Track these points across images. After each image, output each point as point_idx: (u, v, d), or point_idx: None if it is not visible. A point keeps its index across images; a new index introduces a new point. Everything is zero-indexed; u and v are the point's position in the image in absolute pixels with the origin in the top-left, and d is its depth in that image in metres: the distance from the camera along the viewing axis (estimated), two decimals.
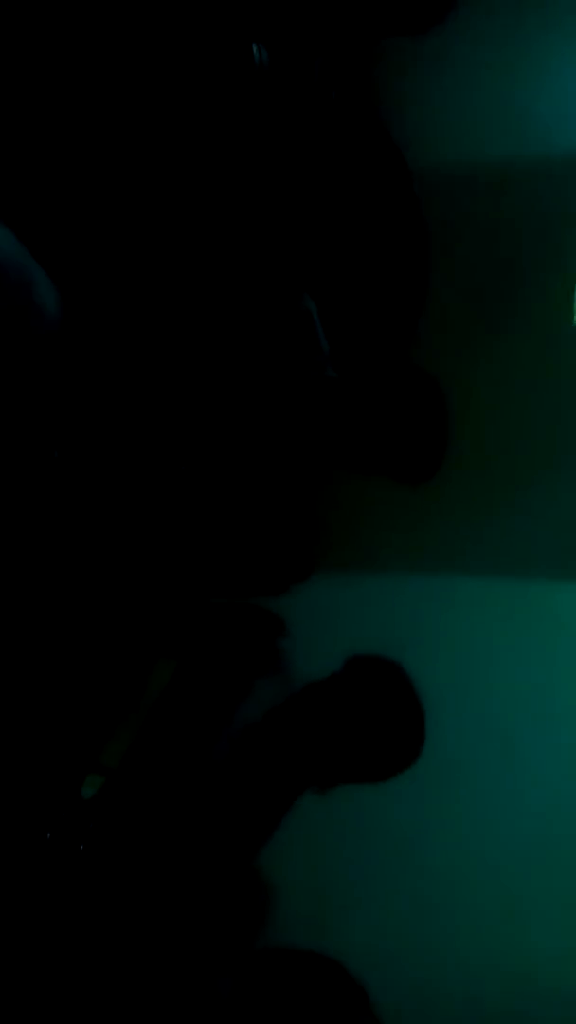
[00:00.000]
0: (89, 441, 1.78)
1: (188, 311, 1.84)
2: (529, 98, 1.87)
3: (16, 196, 1.71)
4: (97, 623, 1.82)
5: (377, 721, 1.73)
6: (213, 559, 2.00)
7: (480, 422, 2.01)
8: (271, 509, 1.96)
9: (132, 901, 1.65)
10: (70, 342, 1.72)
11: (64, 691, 1.75)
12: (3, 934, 1.58)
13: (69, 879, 1.63)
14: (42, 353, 1.65)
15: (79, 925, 1.62)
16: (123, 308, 1.82)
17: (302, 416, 1.89)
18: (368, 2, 1.94)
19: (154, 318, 1.83)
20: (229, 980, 1.68)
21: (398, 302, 1.97)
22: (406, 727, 1.72)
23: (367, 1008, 1.47)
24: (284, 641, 2.04)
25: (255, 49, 1.82)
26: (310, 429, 1.88)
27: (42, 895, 1.61)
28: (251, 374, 1.86)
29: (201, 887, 1.70)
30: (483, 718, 1.80)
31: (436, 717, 1.71)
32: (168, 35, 1.77)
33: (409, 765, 1.71)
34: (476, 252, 2.00)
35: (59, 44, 1.75)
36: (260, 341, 1.86)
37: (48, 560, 1.76)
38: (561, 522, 1.83)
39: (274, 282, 1.87)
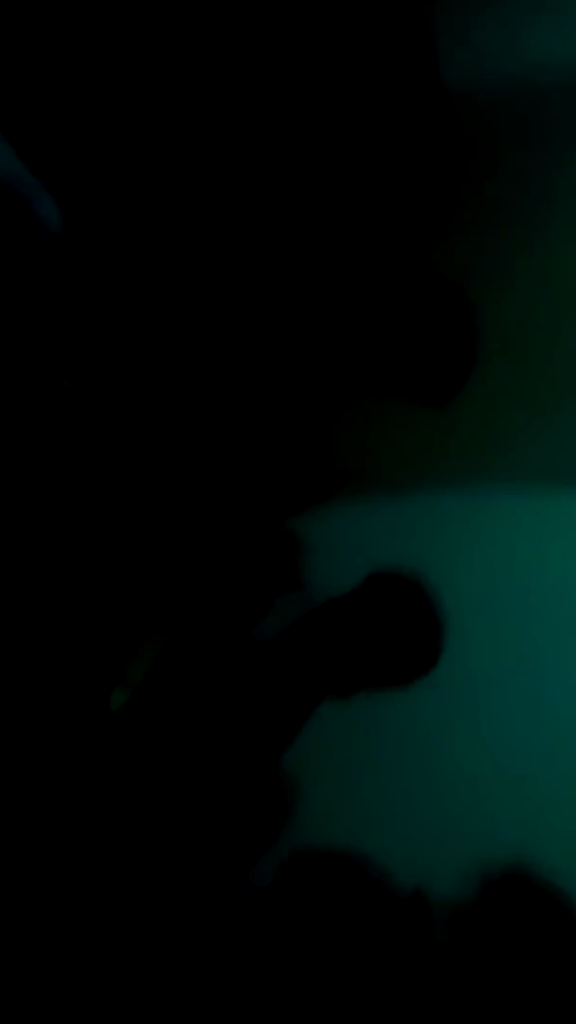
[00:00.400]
0: (93, 357, 1.78)
1: (197, 216, 1.81)
2: None
3: (20, 112, 1.70)
4: (118, 544, 1.85)
5: (395, 630, 1.77)
6: (231, 478, 2.01)
7: (509, 332, 1.95)
8: (287, 427, 1.96)
9: (160, 808, 1.70)
10: (75, 258, 1.72)
11: (88, 607, 1.79)
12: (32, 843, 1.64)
13: (99, 788, 1.68)
14: (44, 266, 1.65)
15: (110, 828, 1.67)
16: (130, 212, 1.80)
17: (319, 327, 1.86)
18: None
19: (161, 227, 1.81)
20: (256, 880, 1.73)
21: (421, 197, 1.92)
22: (424, 635, 1.76)
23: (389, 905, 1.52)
24: (303, 558, 2.07)
25: None
26: (328, 340, 1.86)
27: (74, 805, 1.67)
28: (265, 282, 1.84)
29: (227, 789, 1.75)
30: (504, 628, 1.81)
31: (458, 627, 1.73)
32: None
33: (427, 671, 1.74)
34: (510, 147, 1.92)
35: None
36: (274, 247, 1.83)
37: (65, 477, 1.78)
38: None
39: (290, 187, 1.83)
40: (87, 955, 1.58)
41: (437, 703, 1.74)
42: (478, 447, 1.99)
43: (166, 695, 1.81)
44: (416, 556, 1.91)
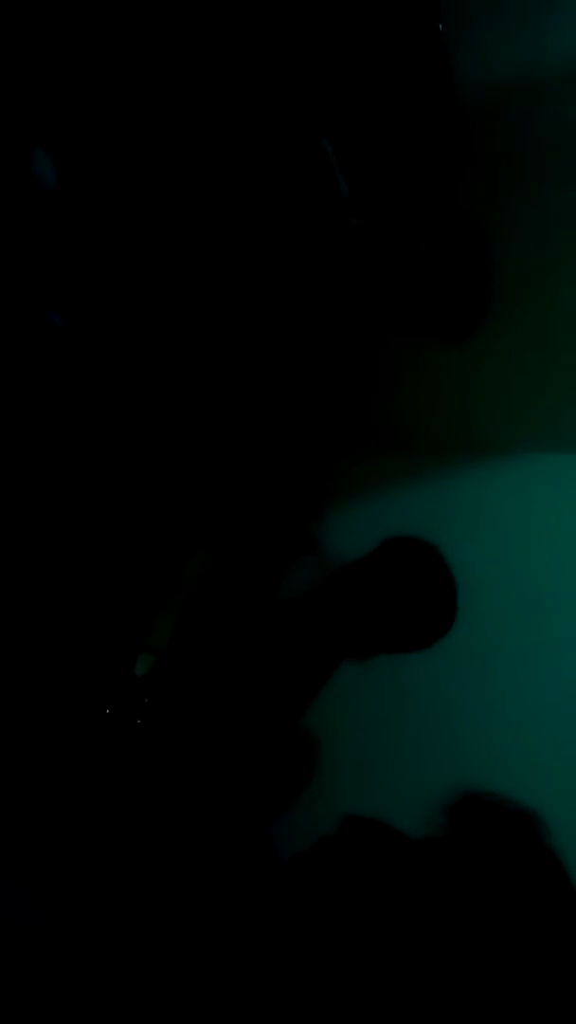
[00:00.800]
0: (92, 311, 1.76)
1: (193, 151, 1.76)
2: None
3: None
4: (137, 509, 1.88)
5: (411, 594, 1.80)
6: (249, 446, 2.02)
7: (528, 278, 1.91)
8: (295, 396, 1.96)
9: (188, 767, 1.76)
10: (70, 217, 1.71)
11: (109, 577, 1.83)
12: (65, 807, 1.70)
13: (128, 752, 1.74)
14: (40, 221, 1.66)
15: (140, 793, 1.74)
16: (125, 168, 1.76)
17: (328, 266, 1.82)
18: None
19: (157, 170, 1.76)
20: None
21: (430, 135, 1.82)
22: (439, 598, 1.79)
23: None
24: (319, 523, 2.10)
25: None
26: (339, 282, 1.82)
27: (104, 768, 1.73)
28: (268, 223, 1.80)
29: (250, 750, 1.80)
30: (519, 594, 1.84)
31: (473, 592, 1.77)
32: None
33: (443, 634, 1.78)
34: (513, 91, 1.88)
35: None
36: (272, 186, 1.78)
37: (79, 441, 1.80)
38: None
39: (285, 119, 1.76)
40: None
41: (452, 666, 1.79)
42: (495, 399, 1.99)
43: (190, 659, 1.86)
44: (430, 520, 1.94)
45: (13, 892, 1.65)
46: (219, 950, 1.42)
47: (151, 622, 1.87)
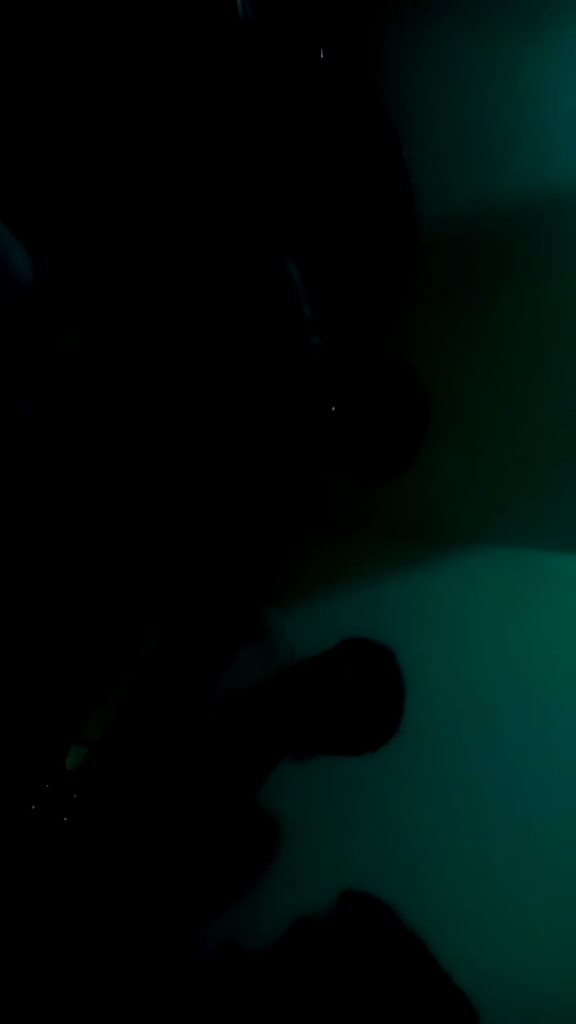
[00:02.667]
0: (65, 403, 1.77)
1: (168, 273, 1.81)
2: (527, 67, 1.81)
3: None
4: (80, 599, 1.83)
5: (362, 701, 1.75)
6: (199, 533, 2.00)
7: (461, 412, 1.96)
8: (257, 486, 1.96)
9: (117, 871, 1.70)
10: (45, 305, 1.71)
11: (46, 666, 1.77)
12: None
13: (54, 849, 1.67)
14: (12, 317, 1.65)
15: (66, 895, 1.67)
16: (101, 267, 1.80)
17: (288, 381, 1.85)
18: None
19: (133, 280, 1.81)
20: (212, 941, 1.73)
21: (385, 267, 1.93)
22: (388, 707, 1.75)
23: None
24: (267, 610, 2.06)
25: (240, 4, 1.76)
26: (295, 399, 1.85)
27: (28, 866, 1.66)
28: (234, 339, 1.83)
29: (184, 851, 1.74)
30: (463, 695, 1.82)
31: (418, 693, 1.73)
32: None
33: (383, 743, 1.74)
34: (464, 223, 1.95)
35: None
36: (242, 305, 1.83)
37: (29, 532, 1.77)
38: (538, 512, 1.83)
39: (257, 247, 1.83)
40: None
41: (397, 768, 1.75)
42: (439, 506, 2.00)
43: (125, 751, 1.80)
44: (379, 610, 1.91)
45: None
46: None
47: (86, 713, 1.81)
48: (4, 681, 1.73)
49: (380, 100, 1.93)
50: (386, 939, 1.49)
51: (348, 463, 1.81)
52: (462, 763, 1.76)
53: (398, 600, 1.91)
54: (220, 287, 1.79)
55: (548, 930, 1.54)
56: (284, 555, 2.03)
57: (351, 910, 1.54)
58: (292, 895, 1.71)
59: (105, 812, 1.73)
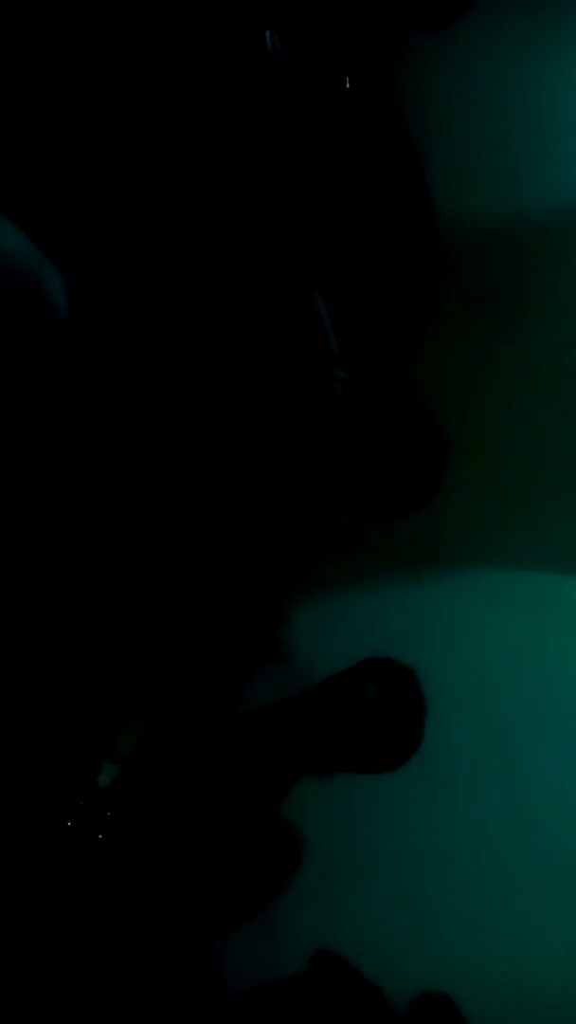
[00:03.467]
0: (95, 435, 1.80)
1: (197, 307, 1.84)
2: (549, 90, 1.83)
3: (28, 196, 1.70)
4: (104, 618, 1.88)
5: (381, 719, 1.81)
6: (217, 557, 2.04)
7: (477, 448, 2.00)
8: (275, 512, 1.99)
9: (145, 887, 1.77)
10: (80, 337, 1.74)
11: (74, 685, 1.82)
12: (26, 919, 1.70)
13: (88, 866, 1.74)
14: (50, 347, 1.67)
15: (96, 909, 1.74)
16: (132, 302, 1.82)
17: (312, 414, 1.90)
18: None
19: (163, 315, 1.83)
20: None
21: (407, 302, 1.96)
22: (409, 726, 1.80)
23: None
24: (285, 629, 2.11)
25: (268, 37, 1.77)
26: (320, 431, 1.89)
27: (62, 883, 1.73)
28: (261, 373, 1.87)
29: (206, 869, 1.81)
30: (483, 717, 1.88)
31: (439, 712, 1.79)
32: (182, 23, 1.72)
33: (404, 761, 1.79)
34: (486, 255, 1.97)
35: (69, 32, 1.70)
36: (270, 340, 1.86)
37: (55, 553, 1.81)
38: (556, 536, 1.88)
39: (285, 281, 1.86)
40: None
41: (416, 789, 1.82)
42: (461, 528, 2.04)
43: (154, 768, 1.86)
44: (396, 631, 1.96)
45: None
46: None
47: (115, 729, 1.87)
48: (37, 701, 1.78)
49: (403, 127, 1.95)
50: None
51: (366, 500, 1.86)
52: (480, 785, 1.83)
53: (416, 620, 1.97)
54: (249, 321, 1.82)
55: (567, 966, 1.61)
56: (302, 574, 2.07)
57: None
58: (309, 917, 1.80)
59: (137, 829, 1.80)
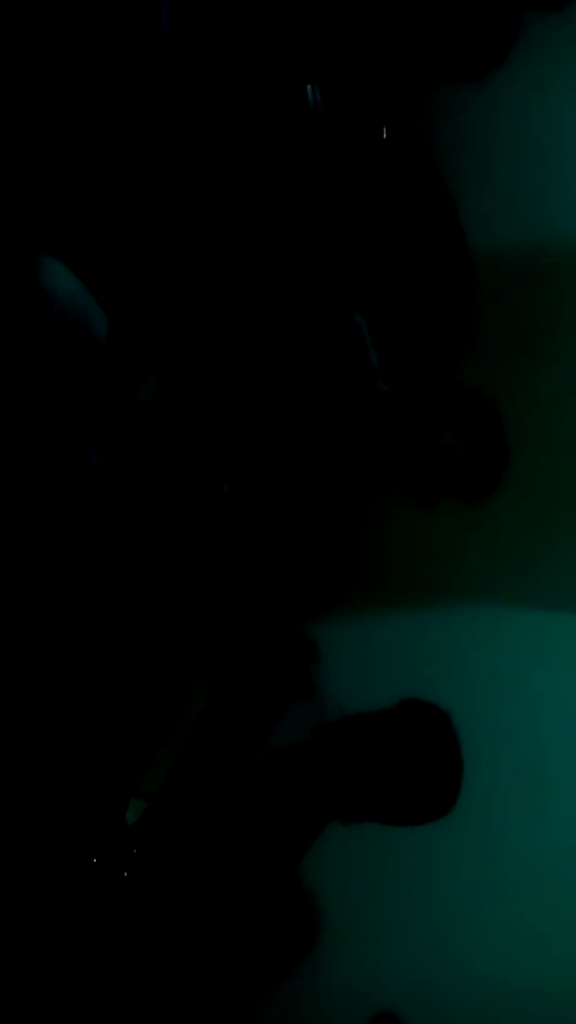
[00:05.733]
0: (140, 454, 1.84)
1: (241, 327, 1.89)
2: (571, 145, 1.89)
3: (72, 237, 1.76)
4: (134, 649, 1.88)
5: (416, 767, 1.77)
6: (251, 582, 2.04)
7: (536, 443, 2.01)
8: (315, 530, 2.01)
9: (173, 926, 1.73)
10: (119, 357, 1.79)
11: (103, 719, 1.81)
12: (50, 955, 1.66)
13: (114, 904, 1.71)
14: (94, 375, 1.73)
15: (124, 947, 1.70)
16: (172, 326, 1.87)
17: (354, 431, 1.93)
18: (426, 48, 1.96)
19: (204, 334, 1.88)
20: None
21: (445, 318, 2.01)
22: (443, 780, 1.76)
23: None
24: (316, 666, 2.09)
25: (310, 90, 1.84)
26: (362, 445, 1.92)
27: (87, 920, 1.70)
28: (304, 390, 1.91)
29: (237, 911, 1.77)
30: (522, 765, 1.84)
31: (475, 761, 1.75)
32: (228, 76, 1.80)
33: (439, 817, 1.75)
34: (520, 280, 2.02)
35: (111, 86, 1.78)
36: (313, 357, 1.90)
37: (88, 582, 1.82)
38: None
39: (326, 300, 1.92)
40: None
41: (447, 845, 1.77)
42: (499, 559, 2.03)
43: (182, 805, 1.83)
44: (427, 671, 1.94)
45: None
46: None
47: (144, 765, 1.85)
48: (66, 736, 1.77)
49: (438, 173, 2.01)
50: None
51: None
52: (518, 838, 1.78)
53: (451, 657, 1.94)
54: (294, 338, 1.87)
55: None
56: (333, 608, 2.07)
57: None
58: (341, 973, 1.74)
59: (163, 867, 1.77)
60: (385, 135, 1.94)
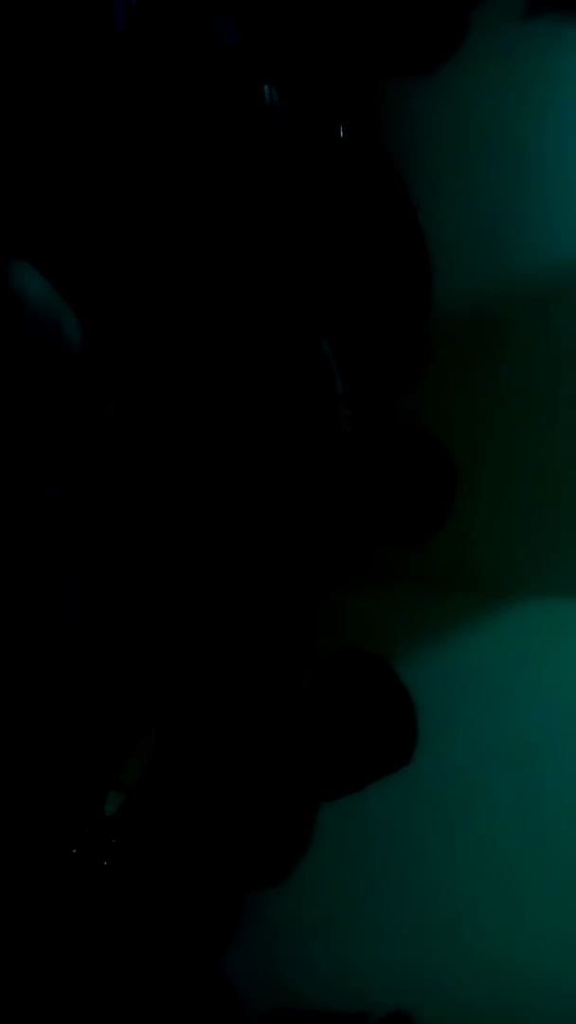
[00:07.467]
0: (112, 467, 1.85)
1: (204, 351, 1.91)
2: (531, 133, 1.92)
3: (42, 242, 1.78)
4: (115, 649, 1.90)
5: (369, 718, 1.79)
6: (227, 578, 2.06)
7: (494, 431, 2.04)
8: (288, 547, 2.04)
9: (151, 913, 1.75)
10: (96, 372, 1.80)
11: (82, 713, 1.83)
12: (28, 945, 1.68)
13: (93, 893, 1.73)
14: (66, 383, 1.74)
15: (101, 936, 1.72)
16: (144, 343, 1.89)
17: (321, 450, 1.96)
18: (376, 43, 1.99)
19: (175, 356, 1.90)
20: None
21: (404, 338, 2.04)
22: (398, 726, 1.79)
23: None
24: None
25: (267, 90, 1.87)
26: (328, 462, 1.95)
27: (67, 909, 1.71)
28: (268, 412, 1.94)
29: (213, 901, 1.79)
30: (501, 749, 1.86)
31: (454, 743, 1.78)
32: (184, 78, 1.83)
33: (407, 759, 1.76)
34: (480, 277, 2.05)
35: (73, 88, 1.81)
36: (279, 381, 1.93)
37: (70, 585, 1.84)
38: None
39: (292, 325, 1.94)
40: None
41: (418, 812, 1.79)
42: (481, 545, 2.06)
43: (160, 798, 1.85)
44: (414, 668, 1.95)
45: None
46: None
47: (122, 758, 1.87)
48: (44, 729, 1.79)
49: (395, 172, 2.04)
50: None
51: (382, 528, 1.91)
52: (501, 818, 1.80)
53: (431, 650, 1.97)
54: (258, 365, 1.90)
55: None
56: (314, 611, 2.09)
57: None
58: (322, 935, 1.76)
59: (142, 856, 1.78)
60: (342, 134, 1.97)
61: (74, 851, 1.75)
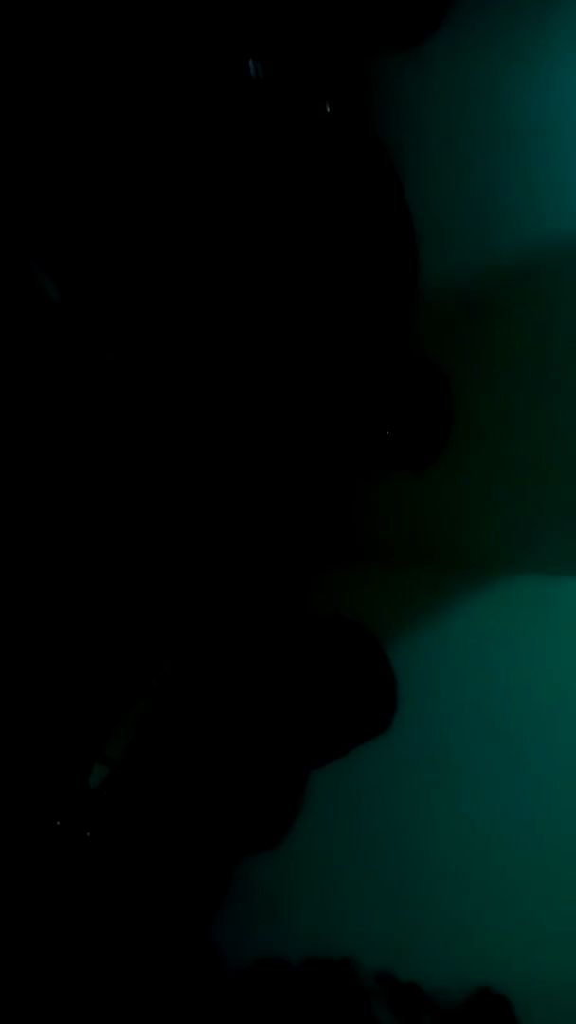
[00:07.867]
0: (97, 430, 1.86)
1: (188, 299, 1.90)
2: (520, 105, 1.91)
3: (25, 198, 1.78)
4: (100, 618, 1.90)
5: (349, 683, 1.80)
6: (215, 554, 2.07)
7: (481, 406, 2.04)
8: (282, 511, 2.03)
9: (136, 887, 1.76)
10: (74, 331, 1.81)
11: (68, 686, 1.84)
12: (13, 917, 1.69)
13: (77, 865, 1.74)
14: (44, 341, 1.74)
15: (85, 909, 1.73)
16: (124, 296, 1.89)
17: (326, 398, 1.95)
18: (361, 17, 1.98)
19: (159, 310, 1.90)
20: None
21: (392, 295, 2.03)
22: (378, 691, 1.79)
23: None
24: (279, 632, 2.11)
25: (252, 65, 1.87)
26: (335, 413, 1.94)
27: (51, 880, 1.72)
28: (262, 368, 1.93)
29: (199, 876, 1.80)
30: (479, 720, 1.86)
31: (432, 716, 1.78)
32: (169, 53, 1.83)
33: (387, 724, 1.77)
34: (467, 252, 2.05)
35: (60, 57, 1.81)
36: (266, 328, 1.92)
37: (52, 552, 1.85)
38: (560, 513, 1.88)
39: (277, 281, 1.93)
40: None
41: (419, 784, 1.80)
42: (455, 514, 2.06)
43: (144, 771, 1.86)
44: (396, 642, 1.96)
45: None
46: None
47: (108, 731, 1.88)
48: (28, 702, 1.80)
49: (382, 148, 2.04)
50: None
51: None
52: (484, 787, 1.81)
53: (417, 623, 1.97)
54: (245, 320, 1.89)
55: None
56: (301, 584, 2.09)
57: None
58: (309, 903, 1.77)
59: (126, 828, 1.79)
60: (328, 109, 1.96)
61: (58, 823, 1.76)
